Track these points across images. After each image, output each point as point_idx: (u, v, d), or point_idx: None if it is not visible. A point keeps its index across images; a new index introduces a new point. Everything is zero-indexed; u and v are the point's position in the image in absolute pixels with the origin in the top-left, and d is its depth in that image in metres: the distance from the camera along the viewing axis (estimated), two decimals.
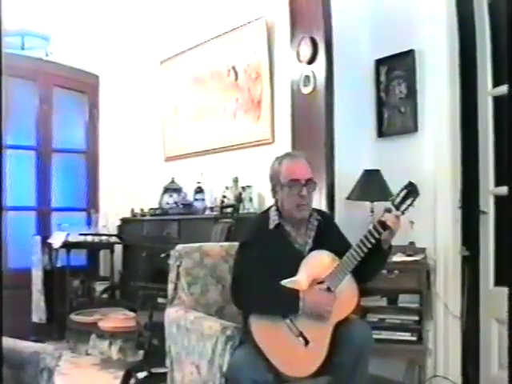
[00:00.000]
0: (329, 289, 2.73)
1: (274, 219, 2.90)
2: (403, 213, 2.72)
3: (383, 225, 2.70)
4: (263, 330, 2.67)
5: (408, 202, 2.71)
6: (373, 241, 2.71)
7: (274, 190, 2.95)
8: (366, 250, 2.70)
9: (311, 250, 2.88)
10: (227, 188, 5.29)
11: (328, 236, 2.92)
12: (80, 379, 4.72)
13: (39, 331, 5.79)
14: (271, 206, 2.99)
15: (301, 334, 2.69)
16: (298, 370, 2.68)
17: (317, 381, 2.71)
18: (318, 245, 2.89)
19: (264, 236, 2.87)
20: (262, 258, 2.76)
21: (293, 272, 2.76)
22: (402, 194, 2.72)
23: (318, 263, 2.80)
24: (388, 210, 2.71)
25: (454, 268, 3.86)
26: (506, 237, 3.38)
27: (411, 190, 2.72)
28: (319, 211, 3.08)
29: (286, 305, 2.71)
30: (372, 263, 2.79)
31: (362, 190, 4.10)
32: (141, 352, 4.68)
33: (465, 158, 3.89)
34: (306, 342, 2.69)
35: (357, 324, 2.78)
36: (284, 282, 2.72)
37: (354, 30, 4.40)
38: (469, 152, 3.88)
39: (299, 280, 2.75)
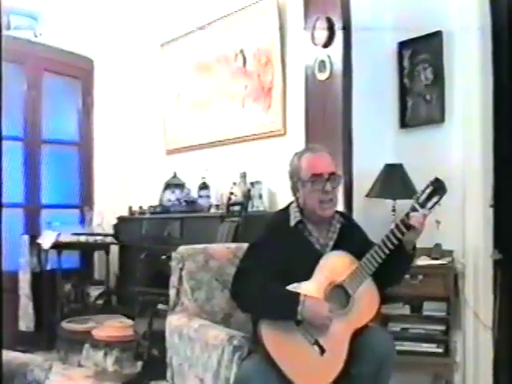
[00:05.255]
0: (347, 294, 2.75)
1: (295, 216, 2.93)
2: (429, 211, 2.72)
3: (407, 224, 2.71)
4: (275, 337, 2.69)
5: (434, 199, 2.71)
6: (395, 242, 2.72)
7: (294, 188, 2.97)
8: (387, 251, 2.72)
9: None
10: (234, 184, 5.29)
11: (351, 239, 2.94)
12: None
13: (27, 340, 5.81)
14: (291, 203, 3.01)
15: (316, 342, 2.71)
16: (313, 382, 2.70)
17: None
18: (339, 247, 2.91)
19: (283, 234, 2.89)
20: (277, 258, 2.78)
21: (309, 273, 2.78)
22: (428, 191, 2.72)
23: (335, 265, 2.82)
24: (413, 209, 2.71)
25: (485, 273, 3.85)
26: None
27: (438, 187, 2.72)
28: (343, 214, 3.09)
29: (284, 307, 2.72)
30: (394, 266, 2.81)
31: (383, 187, 4.10)
32: (139, 363, 4.70)
33: (497, 151, 3.88)
34: (322, 351, 2.70)
35: (377, 333, 2.80)
36: (293, 286, 2.74)
37: (375, 9, 4.39)
38: (502, 144, 3.87)
39: (312, 284, 2.77)
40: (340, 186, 2.99)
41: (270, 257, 2.78)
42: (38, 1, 5.95)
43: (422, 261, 3.86)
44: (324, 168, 2.88)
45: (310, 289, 2.74)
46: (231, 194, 5.27)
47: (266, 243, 2.87)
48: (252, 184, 5.16)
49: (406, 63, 4.37)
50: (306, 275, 2.78)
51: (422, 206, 2.71)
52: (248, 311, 2.90)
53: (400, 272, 2.96)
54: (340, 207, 3.66)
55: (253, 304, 2.78)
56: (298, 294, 2.70)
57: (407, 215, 2.72)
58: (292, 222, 2.92)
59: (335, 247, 2.91)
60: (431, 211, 2.73)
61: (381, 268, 2.75)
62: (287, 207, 3.02)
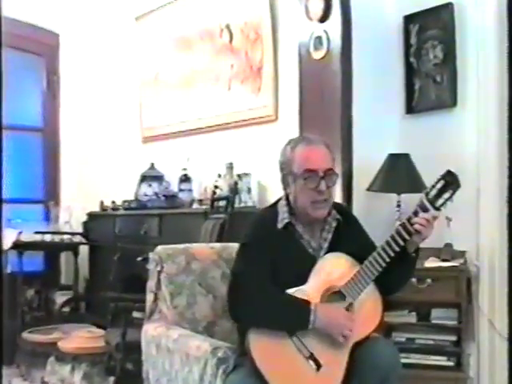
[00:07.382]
0: (350, 304, 2.76)
1: (283, 217, 2.90)
2: (439, 209, 2.72)
3: (409, 230, 2.72)
4: (265, 349, 2.69)
5: (446, 195, 2.71)
6: (401, 243, 2.71)
7: (284, 181, 2.95)
8: (392, 254, 2.71)
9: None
10: (220, 176, 5.30)
11: (348, 239, 2.92)
12: None
13: None
14: (279, 199, 2.99)
15: (311, 356, 2.71)
16: None
17: None
18: (335, 248, 2.90)
19: (270, 237, 2.87)
20: (266, 263, 2.77)
21: (303, 280, 2.78)
22: (439, 186, 2.71)
23: (333, 268, 2.82)
24: (421, 206, 2.71)
25: (502, 276, 3.86)
26: None
27: (450, 181, 2.71)
28: (339, 207, 3.07)
29: (294, 318, 2.71)
30: (397, 271, 2.80)
31: (387, 180, 4.11)
32: (111, 379, 4.70)
33: None
34: (318, 366, 2.70)
35: (380, 345, 2.80)
36: (288, 292, 2.74)
37: None
38: None
39: (307, 290, 2.77)
40: (335, 184, 2.95)
41: (262, 260, 2.78)
42: None
43: (431, 263, 3.87)
44: (319, 163, 2.84)
45: (304, 295, 2.74)
46: (216, 187, 5.27)
47: (255, 245, 2.86)
48: (239, 176, 5.16)
49: (412, 40, 4.38)
50: (299, 281, 2.77)
51: (432, 202, 2.71)
52: (253, 326, 2.75)
53: (402, 277, 2.95)
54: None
55: (256, 314, 2.74)
56: (308, 302, 2.70)
57: (415, 213, 2.72)
58: (280, 224, 2.89)
59: (330, 248, 2.91)
60: (442, 209, 2.72)
61: (384, 272, 2.74)
62: (275, 204, 3.00)
